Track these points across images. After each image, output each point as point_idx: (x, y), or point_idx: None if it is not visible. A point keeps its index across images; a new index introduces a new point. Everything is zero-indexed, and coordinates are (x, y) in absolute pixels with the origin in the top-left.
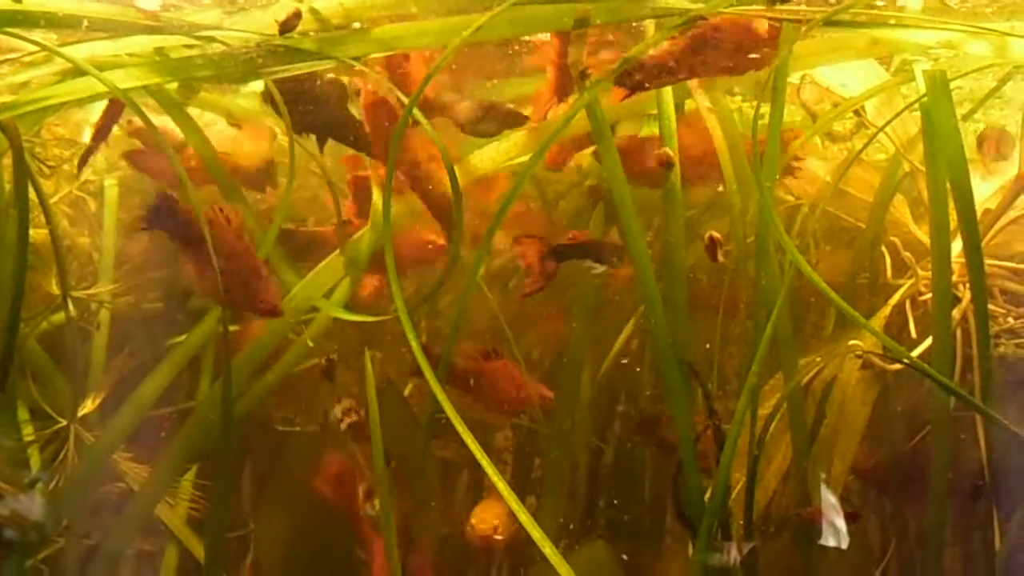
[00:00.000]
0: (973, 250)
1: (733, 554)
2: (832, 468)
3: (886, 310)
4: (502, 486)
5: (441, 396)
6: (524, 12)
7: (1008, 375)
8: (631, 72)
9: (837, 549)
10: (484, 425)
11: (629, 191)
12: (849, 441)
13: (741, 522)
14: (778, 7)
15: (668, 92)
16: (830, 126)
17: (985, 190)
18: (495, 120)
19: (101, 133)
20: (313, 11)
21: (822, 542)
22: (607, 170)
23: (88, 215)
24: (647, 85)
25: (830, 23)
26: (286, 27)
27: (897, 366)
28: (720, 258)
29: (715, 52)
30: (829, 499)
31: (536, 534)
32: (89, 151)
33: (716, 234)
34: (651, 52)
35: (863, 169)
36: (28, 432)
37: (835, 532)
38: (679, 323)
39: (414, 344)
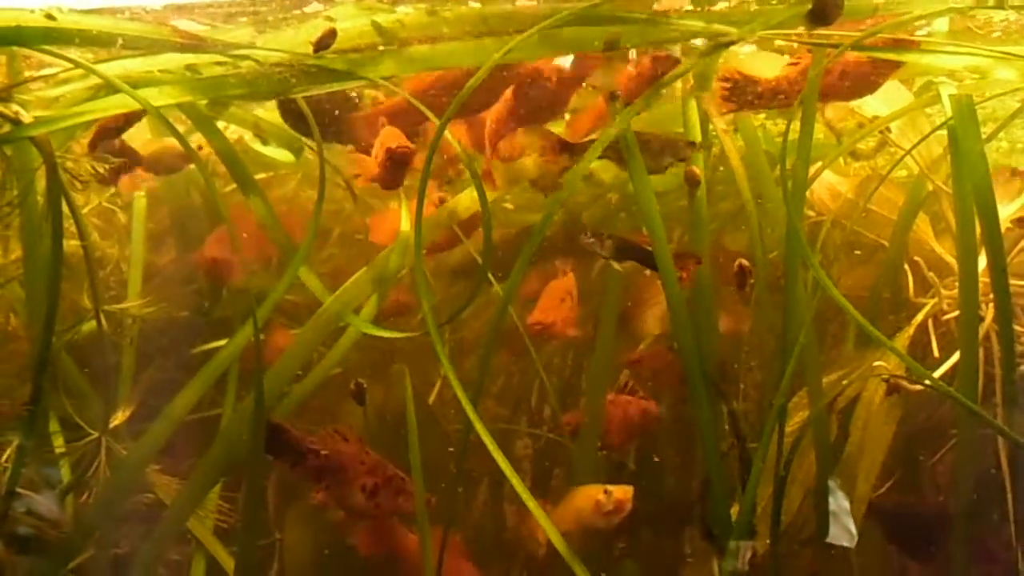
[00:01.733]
0: (999, 272)
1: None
2: (856, 486)
3: (910, 330)
4: (526, 496)
5: (468, 407)
6: (554, 34)
7: None
8: (744, 90)
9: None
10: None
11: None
12: (873, 460)
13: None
14: (813, 32)
15: (694, 111)
16: (854, 145)
17: (1008, 209)
18: (672, 153)
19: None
20: (375, 24)
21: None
22: (636, 184)
23: (117, 227)
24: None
25: (857, 47)
26: (321, 45)
27: (919, 387)
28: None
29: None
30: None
31: (566, 552)
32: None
33: (745, 262)
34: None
35: (885, 187)
36: (59, 443)
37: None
38: (705, 340)
39: (445, 362)
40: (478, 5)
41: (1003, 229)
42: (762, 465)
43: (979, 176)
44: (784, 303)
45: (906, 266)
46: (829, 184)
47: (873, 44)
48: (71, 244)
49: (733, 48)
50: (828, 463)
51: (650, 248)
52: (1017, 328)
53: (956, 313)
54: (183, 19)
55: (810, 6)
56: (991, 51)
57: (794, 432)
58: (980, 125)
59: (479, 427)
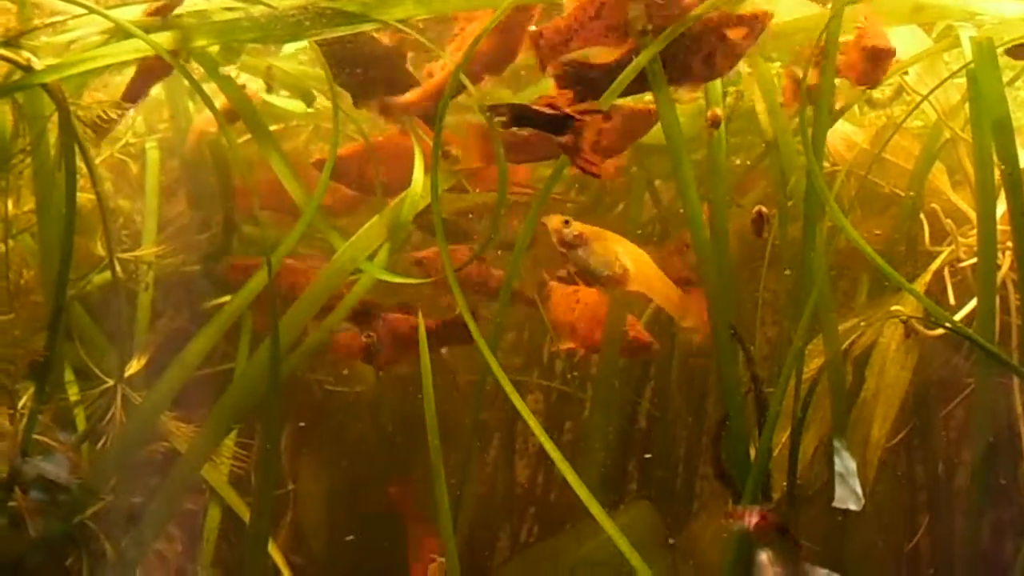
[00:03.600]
0: (1019, 216)
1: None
2: (872, 432)
3: (926, 276)
4: (550, 446)
5: (491, 359)
6: None
7: None
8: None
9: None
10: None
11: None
12: (889, 406)
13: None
14: None
15: None
16: (869, 92)
17: None
18: None
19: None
20: None
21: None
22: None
23: (130, 178)
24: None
25: None
26: None
27: (939, 331)
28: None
29: None
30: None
31: (583, 493)
32: None
33: (764, 209)
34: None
35: (900, 135)
36: (74, 392)
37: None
38: (724, 286)
39: (464, 310)
40: None
41: None
42: (779, 408)
43: (999, 117)
44: (801, 249)
45: (922, 216)
46: (844, 134)
47: None
48: (83, 196)
49: None
50: (843, 408)
51: (550, 110)
52: None
53: (972, 261)
54: None
55: None
56: None
57: (810, 378)
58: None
59: (499, 374)
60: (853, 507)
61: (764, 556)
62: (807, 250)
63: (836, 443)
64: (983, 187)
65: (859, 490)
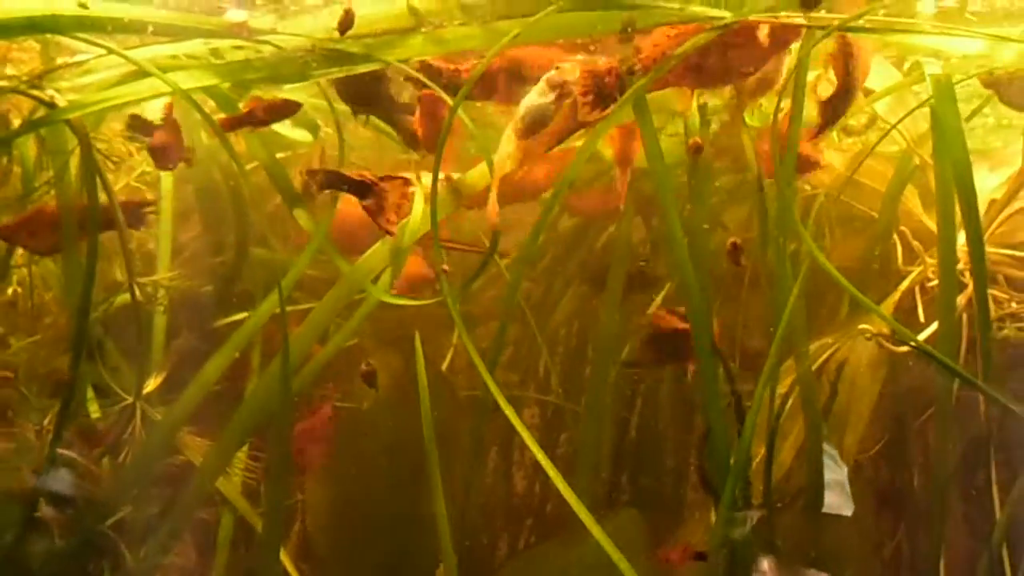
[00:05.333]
0: (976, 241)
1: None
2: (844, 440)
3: (896, 295)
4: (543, 458)
5: (487, 377)
6: (565, 18)
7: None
8: None
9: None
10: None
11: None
12: (860, 416)
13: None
14: (809, 15)
15: None
16: (845, 121)
17: (992, 182)
18: None
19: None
20: (411, 7)
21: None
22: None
23: None
24: None
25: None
26: (344, 26)
27: (905, 348)
28: (742, 262)
29: None
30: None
31: (571, 499)
32: None
33: (738, 240)
34: None
35: (877, 161)
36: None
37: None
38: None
39: (460, 326)
40: None
41: None
42: (755, 419)
43: (958, 150)
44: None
45: (895, 237)
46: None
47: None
48: None
49: None
50: (817, 420)
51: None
52: (1001, 294)
53: None
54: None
55: None
56: (972, 32)
57: (785, 392)
58: (966, 102)
59: (494, 390)
60: (845, 513)
61: (766, 563)
62: (779, 271)
63: (827, 450)
64: (944, 212)
65: (849, 496)
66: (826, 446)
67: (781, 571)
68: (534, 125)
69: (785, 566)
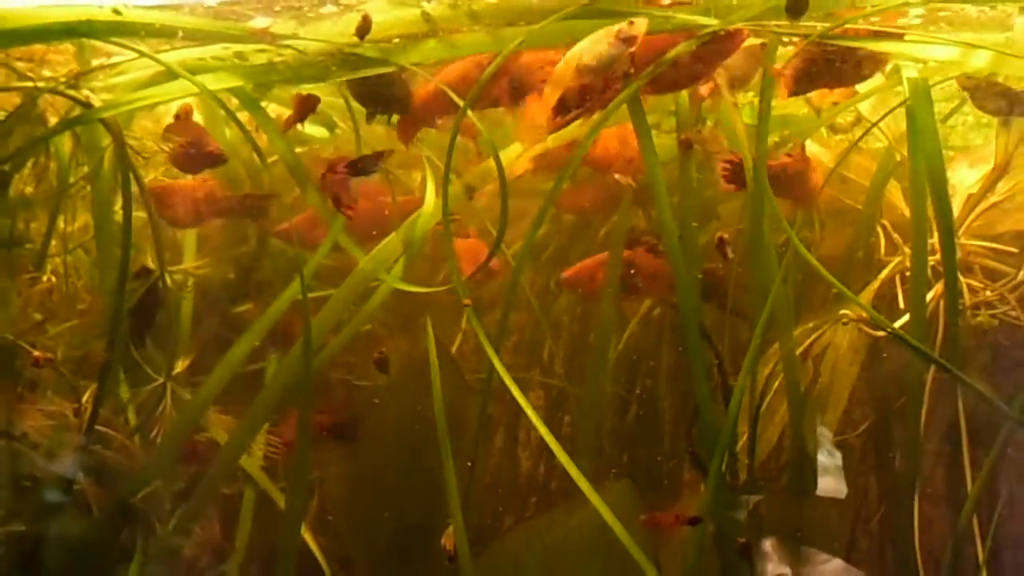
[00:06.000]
0: (946, 233)
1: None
2: (826, 416)
3: (875, 284)
4: (550, 439)
5: (494, 358)
6: (568, 25)
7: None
8: None
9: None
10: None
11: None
12: (840, 395)
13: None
14: (796, 24)
15: None
16: (833, 119)
17: (972, 177)
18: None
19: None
20: (424, 14)
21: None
22: (645, 158)
23: None
24: None
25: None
26: (362, 31)
27: (881, 333)
28: (729, 254)
29: None
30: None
31: (573, 471)
32: None
33: (725, 235)
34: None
35: (862, 157)
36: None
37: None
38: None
39: (472, 317)
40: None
41: None
42: (740, 399)
43: (931, 149)
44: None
45: (879, 228)
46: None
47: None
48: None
49: None
50: (799, 400)
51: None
52: (975, 283)
53: None
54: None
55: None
56: (947, 40)
57: (768, 373)
58: (948, 101)
59: (503, 372)
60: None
61: (768, 544)
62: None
63: (821, 432)
64: (917, 207)
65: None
66: (822, 429)
67: (782, 552)
68: (600, 69)
69: (785, 547)
